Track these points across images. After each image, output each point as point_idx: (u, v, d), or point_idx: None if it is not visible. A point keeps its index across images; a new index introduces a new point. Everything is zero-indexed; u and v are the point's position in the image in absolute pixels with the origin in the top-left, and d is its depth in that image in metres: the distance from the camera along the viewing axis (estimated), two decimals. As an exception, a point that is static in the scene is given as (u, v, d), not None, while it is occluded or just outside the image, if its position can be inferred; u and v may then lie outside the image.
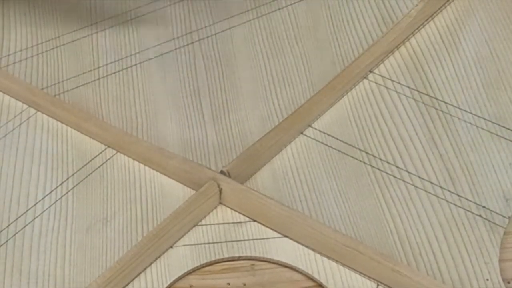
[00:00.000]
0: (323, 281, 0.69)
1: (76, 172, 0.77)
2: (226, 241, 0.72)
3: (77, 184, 0.76)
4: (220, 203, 0.74)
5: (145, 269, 0.70)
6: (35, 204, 0.75)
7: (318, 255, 0.70)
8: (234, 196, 0.73)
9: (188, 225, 0.72)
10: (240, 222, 0.73)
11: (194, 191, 0.74)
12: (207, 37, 0.89)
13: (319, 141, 0.79)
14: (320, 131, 0.80)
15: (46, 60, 0.87)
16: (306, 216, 0.72)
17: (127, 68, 0.86)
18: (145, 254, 0.69)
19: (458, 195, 0.74)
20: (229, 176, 0.74)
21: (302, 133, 0.80)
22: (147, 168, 0.77)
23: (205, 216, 0.73)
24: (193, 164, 0.75)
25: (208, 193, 0.73)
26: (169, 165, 0.76)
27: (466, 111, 0.81)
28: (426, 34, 0.88)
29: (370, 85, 0.83)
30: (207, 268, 0.71)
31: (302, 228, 0.71)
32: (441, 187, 0.75)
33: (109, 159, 0.78)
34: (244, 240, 0.72)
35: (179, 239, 0.72)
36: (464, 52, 0.86)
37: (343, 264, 0.70)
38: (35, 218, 0.74)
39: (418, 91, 0.83)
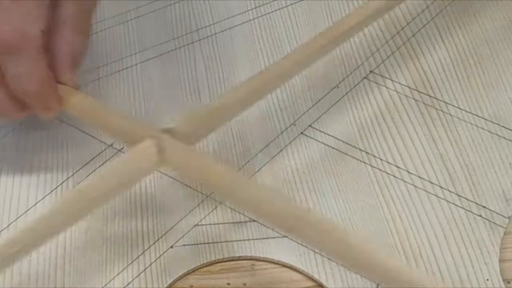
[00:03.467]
0: (323, 281, 0.69)
1: (76, 172, 0.77)
2: (226, 241, 0.72)
3: (77, 184, 0.76)
4: (161, 164, 0.65)
5: (145, 269, 0.70)
6: (35, 204, 0.75)
7: (318, 255, 0.70)
8: (178, 158, 0.64)
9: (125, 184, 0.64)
10: (240, 222, 0.73)
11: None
12: (207, 37, 0.89)
13: (319, 141, 0.79)
14: (320, 131, 0.80)
15: (46, 60, 0.87)
16: (306, 216, 0.72)
17: (127, 68, 0.86)
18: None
19: (458, 195, 0.74)
20: (174, 136, 0.65)
21: (302, 133, 0.79)
22: (147, 168, 0.77)
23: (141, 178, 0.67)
24: (133, 120, 0.69)
25: (145, 153, 0.63)
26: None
27: (466, 111, 0.81)
28: (426, 34, 0.88)
29: (370, 85, 0.83)
30: (207, 268, 0.71)
31: (302, 228, 0.71)
32: (441, 187, 0.75)
33: (109, 159, 0.78)
34: (244, 240, 0.72)
35: (179, 239, 0.72)
36: (464, 52, 0.86)
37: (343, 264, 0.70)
38: (35, 218, 0.74)
39: (418, 91, 0.83)
